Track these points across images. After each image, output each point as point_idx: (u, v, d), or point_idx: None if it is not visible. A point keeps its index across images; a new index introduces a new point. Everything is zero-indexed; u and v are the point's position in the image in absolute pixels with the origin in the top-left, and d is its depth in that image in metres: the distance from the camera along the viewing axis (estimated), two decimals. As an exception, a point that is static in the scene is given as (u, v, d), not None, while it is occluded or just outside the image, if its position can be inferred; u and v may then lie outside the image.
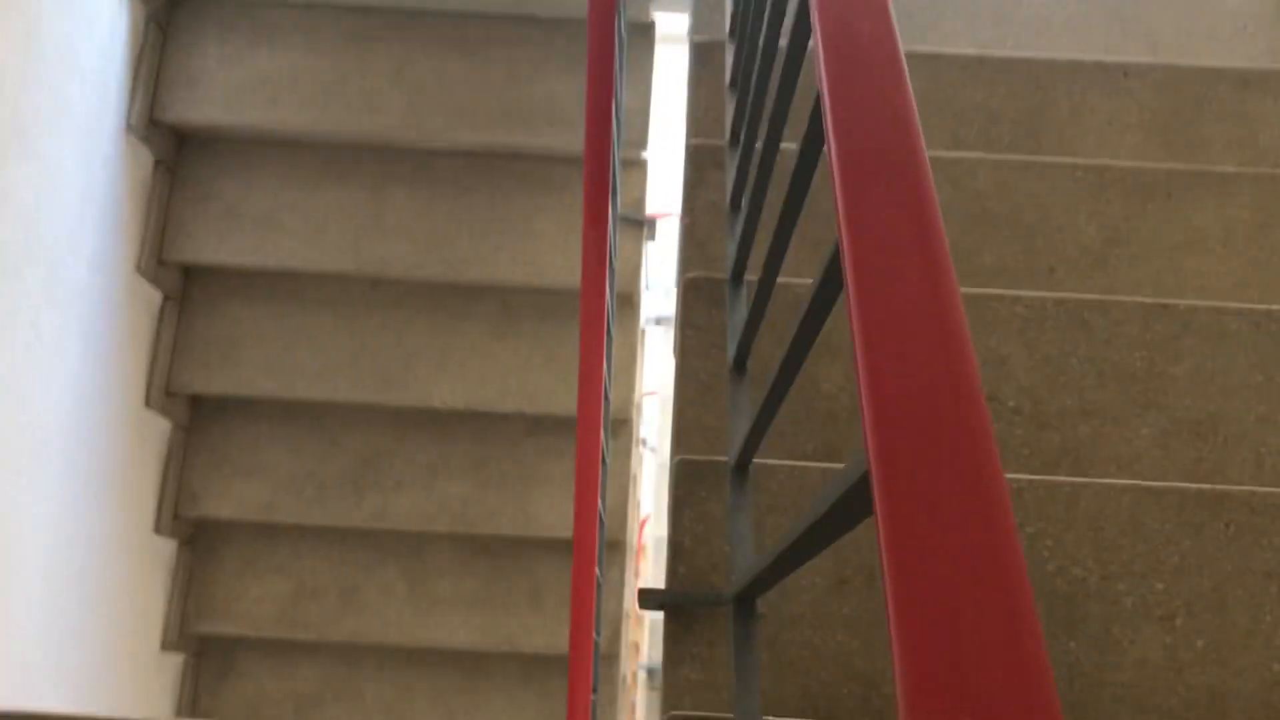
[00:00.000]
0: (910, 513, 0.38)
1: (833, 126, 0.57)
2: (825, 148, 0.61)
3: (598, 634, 2.14)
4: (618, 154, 2.22)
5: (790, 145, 1.59)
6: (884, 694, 1.18)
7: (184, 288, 2.77)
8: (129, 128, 2.44)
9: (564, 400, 2.75)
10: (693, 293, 1.43)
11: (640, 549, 6.49)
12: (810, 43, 0.69)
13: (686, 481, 1.22)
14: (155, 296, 2.66)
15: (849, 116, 0.57)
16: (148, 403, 2.64)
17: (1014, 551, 0.36)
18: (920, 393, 0.41)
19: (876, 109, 0.56)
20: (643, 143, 2.69)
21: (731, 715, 1.04)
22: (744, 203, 1.44)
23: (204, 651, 2.91)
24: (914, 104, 0.54)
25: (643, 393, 4.37)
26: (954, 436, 0.39)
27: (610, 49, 2.16)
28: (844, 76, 0.57)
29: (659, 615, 1.23)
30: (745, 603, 0.99)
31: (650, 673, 5.61)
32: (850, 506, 0.50)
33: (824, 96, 0.59)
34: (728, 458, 1.16)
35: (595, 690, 2.14)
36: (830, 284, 0.61)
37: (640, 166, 2.77)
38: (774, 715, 1.15)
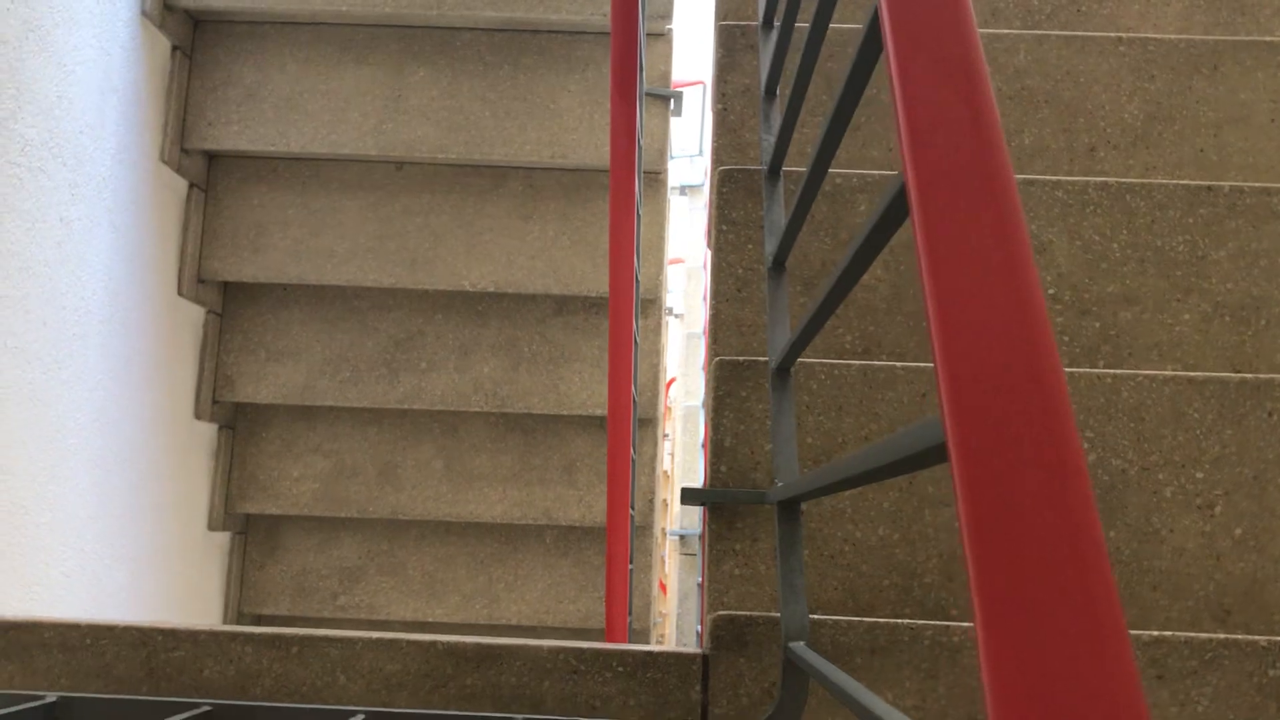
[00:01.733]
0: (990, 493, 0.38)
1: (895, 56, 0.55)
2: (884, 59, 0.59)
3: (632, 508, 2.19)
4: (643, 28, 2.16)
5: (834, 26, 1.55)
6: (925, 584, 1.20)
7: (209, 175, 2.76)
8: (144, 14, 2.39)
9: (592, 279, 2.75)
10: (728, 185, 1.40)
11: (667, 410, 6.58)
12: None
13: (726, 382, 1.23)
14: (181, 185, 2.65)
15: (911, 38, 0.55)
16: (180, 291, 2.65)
17: (1096, 541, 0.37)
18: (996, 366, 0.41)
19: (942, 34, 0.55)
20: (667, 14, 2.62)
21: (775, 613, 1.07)
22: (779, 91, 1.41)
23: (250, 530, 3.00)
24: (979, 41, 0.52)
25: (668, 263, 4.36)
26: (1031, 415, 0.39)
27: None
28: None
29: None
30: (790, 507, 1.00)
31: (682, 539, 5.75)
32: (921, 463, 0.50)
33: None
34: (769, 359, 1.16)
35: (630, 561, 2.20)
36: (894, 213, 0.60)
37: (665, 39, 2.71)
38: (816, 607, 1.18)
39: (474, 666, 0.94)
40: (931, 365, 0.44)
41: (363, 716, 0.83)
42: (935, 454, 0.45)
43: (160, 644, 0.93)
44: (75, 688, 0.91)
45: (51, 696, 0.86)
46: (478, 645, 0.96)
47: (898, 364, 1.23)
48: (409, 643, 0.93)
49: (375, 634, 0.94)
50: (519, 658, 0.96)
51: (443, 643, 0.94)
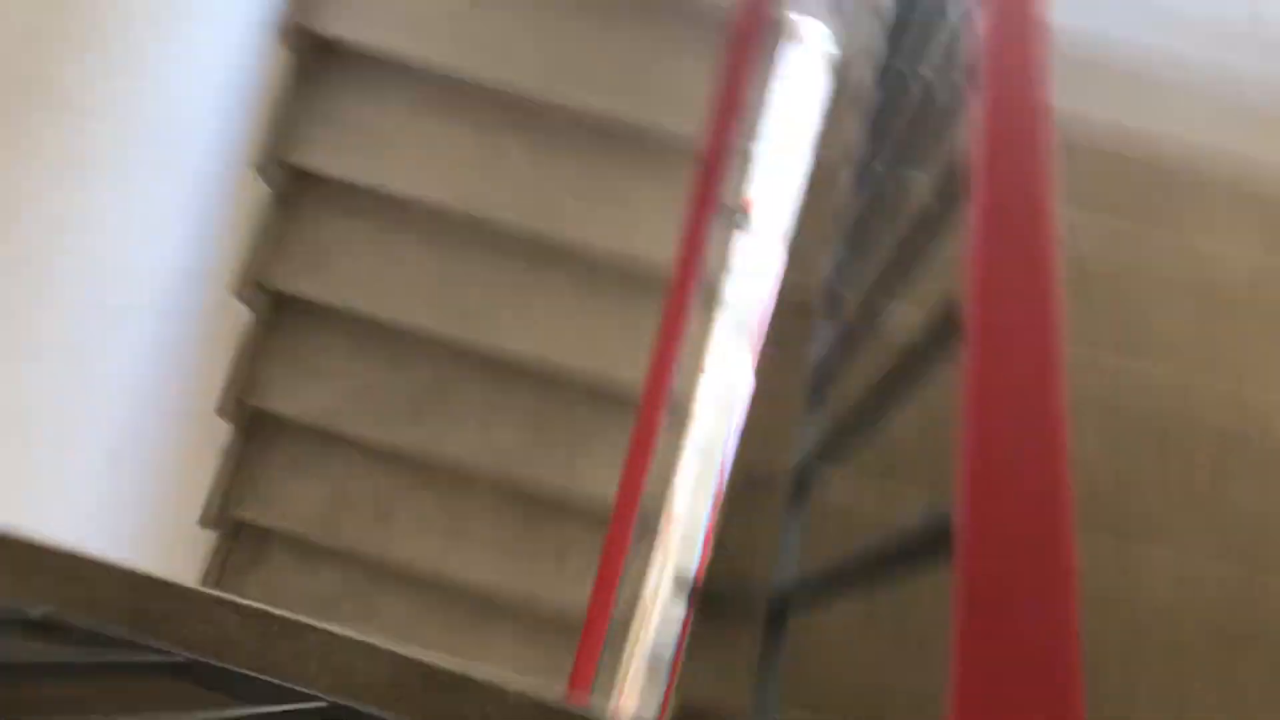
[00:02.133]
0: (986, 583, 0.42)
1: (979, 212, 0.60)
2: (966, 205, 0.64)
3: (616, 605, 2.19)
4: (733, 149, 2.24)
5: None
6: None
7: (290, 189, 2.85)
8: (271, 26, 2.50)
9: (629, 373, 2.79)
10: (784, 310, 1.46)
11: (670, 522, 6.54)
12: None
13: (742, 486, 1.26)
14: (262, 192, 2.74)
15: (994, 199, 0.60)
16: (234, 291, 2.72)
17: (1071, 643, 0.40)
18: (1011, 466, 0.44)
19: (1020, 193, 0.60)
20: (753, 134, 2.71)
21: (739, 714, 1.08)
22: (852, 232, 1.46)
23: (238, 535, 3.01)
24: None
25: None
26: (1038, 523, 0.43)
27: (751, 49, 2.17)
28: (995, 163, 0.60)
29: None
30: (779, 611, 1.02)
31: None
32: (926, 549, 0.53)
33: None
34: (787, 468, 1.19)
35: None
36: (939, 340, 0.64)
37: (745, 156, 2.79)
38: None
39: (441, 689, 0.96)
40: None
41: (325, 704, 0.85)
42: (941, 542, 0.48)
43: (151, 592, 0.96)
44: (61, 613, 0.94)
45: (37, 613, 0.89)
46: (450, 672, 0.98)
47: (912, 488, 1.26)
48: (386, 651, 0.96)
49: (356, 634, 0.96)
50: (486, 694, 0.98)
51: (418, 659, 0.96)
